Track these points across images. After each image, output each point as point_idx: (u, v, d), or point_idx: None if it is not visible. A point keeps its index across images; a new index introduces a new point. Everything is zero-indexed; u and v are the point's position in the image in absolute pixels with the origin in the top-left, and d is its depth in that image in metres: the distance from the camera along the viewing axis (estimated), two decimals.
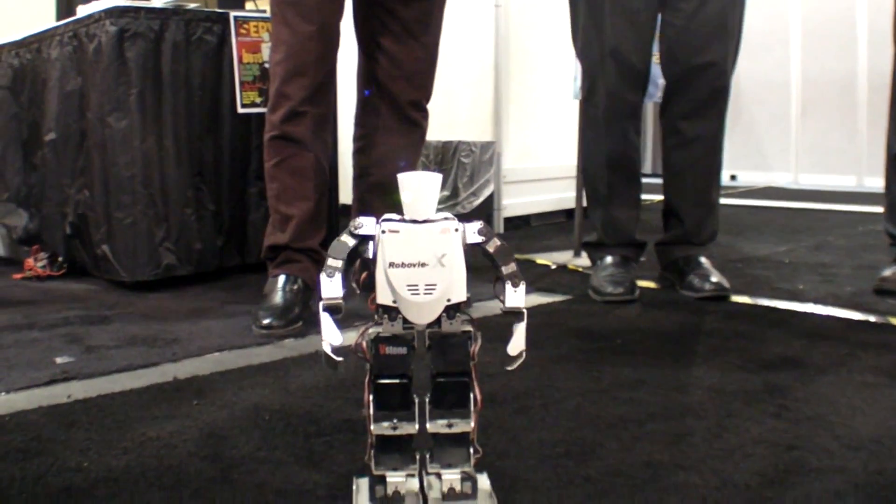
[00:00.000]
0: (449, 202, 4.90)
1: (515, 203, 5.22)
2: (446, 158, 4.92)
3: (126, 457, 1.85)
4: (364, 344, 1.57)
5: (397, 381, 1.58)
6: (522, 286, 1.58)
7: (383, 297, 1.54)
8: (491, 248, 1.57)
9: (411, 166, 3.27)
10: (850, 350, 2.58)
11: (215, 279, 3.72)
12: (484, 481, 1.66)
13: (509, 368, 1.59)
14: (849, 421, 2.02)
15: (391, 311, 1.54)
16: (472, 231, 1.55)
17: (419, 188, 1.55)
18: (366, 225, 1.56)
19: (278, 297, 2.95)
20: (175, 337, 2.81)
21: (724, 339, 2.71)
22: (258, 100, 3.63)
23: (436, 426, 1.59)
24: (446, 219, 1.54)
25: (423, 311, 1.54)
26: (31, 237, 3.98)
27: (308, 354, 2.59)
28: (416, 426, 1.59)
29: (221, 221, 3.75)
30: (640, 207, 3.52)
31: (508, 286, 1.57)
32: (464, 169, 4.88)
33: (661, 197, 3.55)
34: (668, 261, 3.47)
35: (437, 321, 1.56)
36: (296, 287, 2.98)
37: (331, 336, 1.57)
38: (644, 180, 3.55)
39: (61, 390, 2.32)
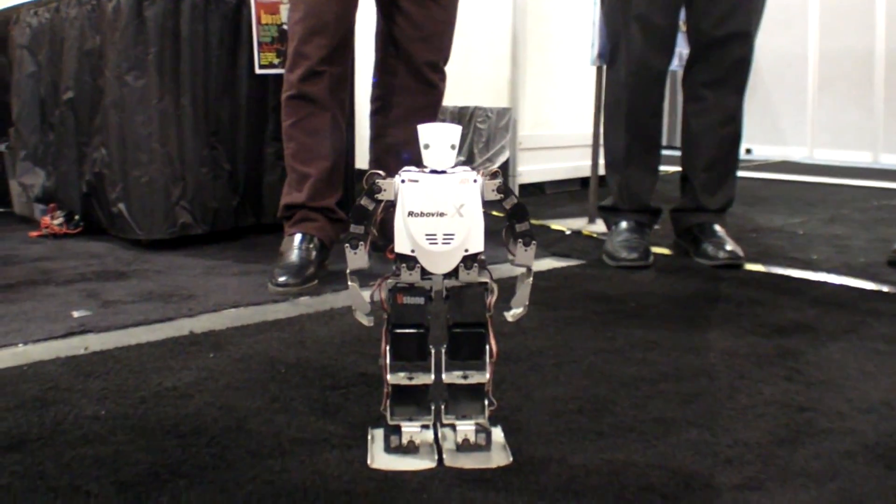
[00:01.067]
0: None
1: (531, 170, 5.22)
2: (462, 124, 4.91)
3: (143, 406, 1.87)
4: (382, 294, 1.59)
5: (414, 331, 1.59)
6: (533, 245, 1.60)
7: (402, 246, 1.57)
8: (508, 206, 1.59)
9: None
10: (862, 318, 2.59)
11: (230, 239, 3.73)
12: (498, 434, 1.68)
13: (510, 319, 1.63)
14: (860, 385, 2.03)
15: (409, 261, 1.57)
16: (491, 188, 1.58)
17: (439, 139, 1.57)
18: (386, 190, 1.58)
19: (294, 256, 2.96)
20: (191, 293, 2.83)
21: (737, 305, 2.72)
22: (276, 61, 3.64)
23: (451, 377, 1.62)
24: (465, 170, 1.56)
25: (440, 260, 1.57)
26: (47, 195, 3.99)
27: (323, 311, 2.61)
28: (432, 377, 1.61)
29: (237, 181, 3.75)
30: (658, 174, 3.52)
31: (520, 244, 1.60)
32: (480, 135, 4.89)
33: (677, 168, 3.55)
34: (683, 228, 3.47)
35: (455, 271, 1.58)
36: (311, 246, 2.99)
37: (361, 306, 1.63)
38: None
39: (78, 342, 2.34)
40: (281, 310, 2.66)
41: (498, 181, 1.59)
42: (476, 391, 1.64)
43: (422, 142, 1.58)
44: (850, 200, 5.16)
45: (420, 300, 1.60)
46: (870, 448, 1.69)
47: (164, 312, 2.61)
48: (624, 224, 3.42)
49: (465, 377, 1.62)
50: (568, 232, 3.96)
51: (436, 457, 1.61)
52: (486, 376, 1.62)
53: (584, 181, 5.21)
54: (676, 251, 3.49)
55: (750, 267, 3.24)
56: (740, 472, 1.59)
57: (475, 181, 1.57)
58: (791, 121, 7.84)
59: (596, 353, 2.22)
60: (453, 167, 1.59)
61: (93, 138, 3.67)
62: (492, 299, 1.62)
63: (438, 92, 3.23)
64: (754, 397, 1.95)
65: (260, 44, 3.61)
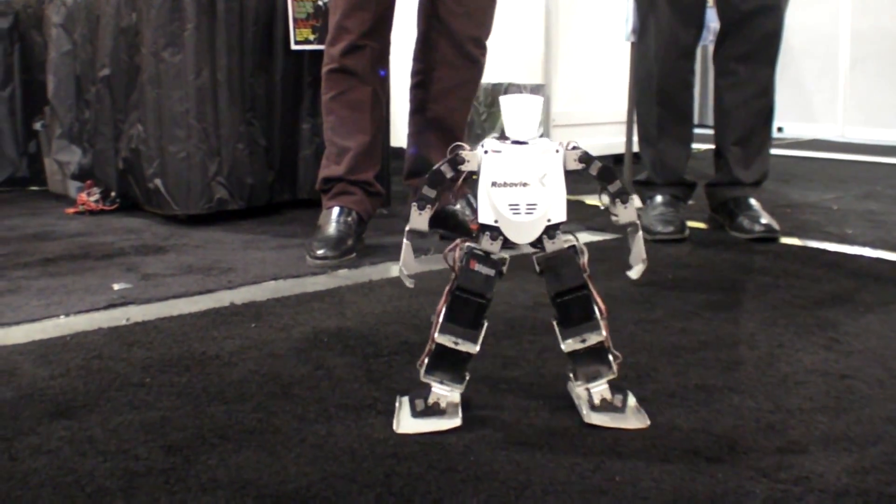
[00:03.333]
0: None
1: None
2: (496, 100, 4.91)
3: (188, 374, 1.89)
4: (456, 254, 1.61)
5: (476, 298, 1.61)
6: (632, 201, 1.64)
7: (485, 216, 1.61)
8: (594, 172, 1.62)
9: (468, 102, 3.28)
10: None
11: (266, 214, 3.75)
12: (631, 398, 1.69)
13: (634, 277, 1.66)
14: None
15: (492, 231, 1.59)
16: (573, 158, 1.61)
17: (521, 110, 1.60)
18: (469, 161, 1.61)
19: (332, 229, 2.97)
20: (230, 266, 2.85)
21: (774, 278, 2.72)
22: (311, 37, 3.65)
23: (570, 345, 1.66)
24: (546, 140, 1.60)
25: (524, 230, 1.61)
26: (84, 173, 4.01)
27: (362, 283, 2.62)
28: (477, 348, 1.63)
29: (273, 157, 3.77)
30: (691, 147, 3.52)
31: (618, 203, 1.62)
32: None
33: (711, 146, 3.55)
34: (718, 202, 3.46)
35: (539, 242, 1.60)
36: (350, 219, 3.01)
37: (408, 265, 1.65)
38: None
39: (120, 314, 2.36)
40: (320, 282, 2.68)
41: (580, 150, 1.62)
42: (597, 352, 1.66)
43: (504, 113, 1.61)
44: (883, 177, 5.14)
45: (491, 272, 1.62)
46: None
47: (203, 285, 2.63)
48: (659, 198, 3.42)
49: (583, 341, 1.65)
50: (603, 207, 3.94)
51: (460, 415, 1.63)
52: (602, 334, 1.64)
53: (618, 158, 5.20)
54: (712, 225, 3.49)
55: (785, 240, 3.24)
56: (783, 436, 1.59)
57: (557, 151, 1.60)
58: (822, 99, 7.80)
59: (636, 323, 2.23)
60: (536, 137, 1.62)
61: (129, 115, 3.69)
62: (584, 260, 1.64)
63: (479, 67, 3.23)
64: (794, 365, 1.96)
65: (296, 20, 3.62)
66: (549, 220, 1.61)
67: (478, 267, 1.61)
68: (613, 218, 1.67)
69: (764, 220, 3.28)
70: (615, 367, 1.66)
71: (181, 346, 2.06)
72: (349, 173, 3.04)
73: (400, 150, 3.43)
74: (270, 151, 3.76)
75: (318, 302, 2.43)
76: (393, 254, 3.02)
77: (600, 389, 1.66)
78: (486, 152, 1.60)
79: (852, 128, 7.56)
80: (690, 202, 3.56)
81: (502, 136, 1.62)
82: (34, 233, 3.42)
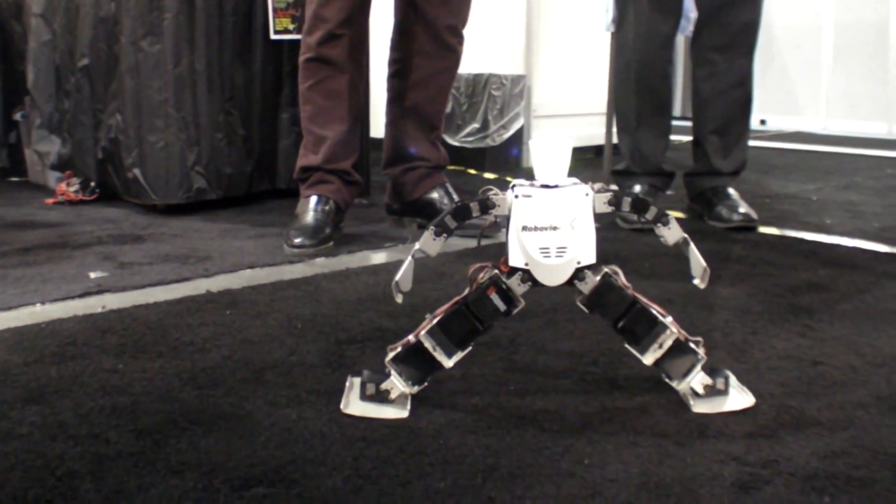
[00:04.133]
0: (478, 135, 4.91)
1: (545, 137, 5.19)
2: (477, 91, 4.92)
3: (160, 360, 1.89)
4: (480, 275, 1.64)
5: (477, 322, 1.64)
6: (673, 221, 1.66)
7: (515, 259, 1.63)
8: (627, 208, 1.65)
9: (446, 91, 3.28)
10: (876, 279, 2.60)
11: (245, 204, 3.74)
12: (732, 378, 1.71)
13: (702, 286, 1.67)
14: (873, 341, 2.04)
15: (523, 273, 1.63)
16: (603, 201, 1.65)
17: (551, 154, 1.63)
18: (500, 206, 1.64)
19: (310, 218, 2.97)
20: (207, 255, 2.84)
21: (750, 266, 2.73)
22: (291, 26, 3.64)
23: (652, 356, 1.68)
24: (576, 184, 1.63)
25: (554, 272, 1.64)
26: (63, 163, 4.00)
27: (339, 271, 2.62)
28: (450, 365, 1.65)
29: (252, 147, 3.76)
30: (670, 138, 3.52)
31: (660, 227, 1.65)
32: (494, 102, 4.88)
33: (689, 138, 3.56)
34: (697, 192, 3.47)
35: (570, 283, 1.65)
36: (327, 208, 3.01)
37: (404, 282, 1.65)
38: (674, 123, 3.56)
39: (95, 301, 2.36)
40: (297, 270, 2.68)
41: (609, 193, 1.65)
42: (678, 348, 1.67)
43: (533, 156, 1.64)
44: (864, 169, 5.16)
45: (503, 307, 1.65)
46: (883, 399, 1.71)
47: (180, 273, 2.63)
48: (637, 188, 3.42)
49: (660, 346, 1.67)
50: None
51: (409, 407, 1.64)
52: (673, 331, 1.66)
53: (599, 149, 5.20)
54: (690, 215, 3.50)
55: (763, 230, 3.25)
56: (753, 421, 1.60)
57: (587, 195, 1.63)
58: (806, 92, 7.81)
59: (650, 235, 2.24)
60: (565, 180, 1.64)
61: (108, 105, 3.68)
62: (622, 279, 1.66)
63: (457, 56, 3.23)
64: (767, 352, 1.96)
65: (275, 9, 3.61)
66: (578, 263, 1.64)
67: (494, 296, 1.63)
68: (662, 239, 1.68)
69: (742, 210, 3.29)
70: (701, 351, 1.67)
71: (155, 333, 2.06)
72: (327, 162, 3.04)
73: (379, 140, 3.43)
74: (249, 141, 3.75)
75: (294, 289, 2.43)
76: (372, 242, 3.03)
77: (699, 378, 1.67)
78: (516, 196, 1.62)
79: (835, 120, 7.58)
80: (669, 192, 3.57)
81: (531, 179, 1.64)
82: (13, 222, 3.40)
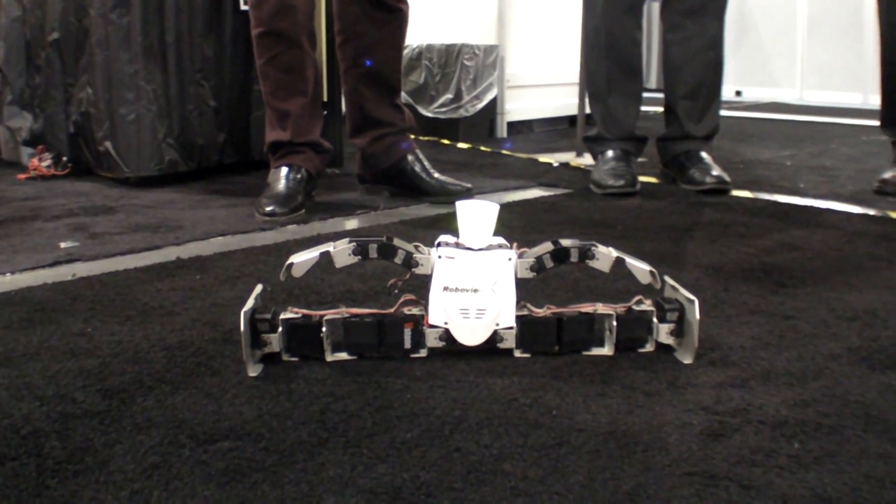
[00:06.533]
0: (452, 105, 4.90)
1: (518, 108, 5.22)
2: (449, 61, 4.90)
3: (129, 323, 1.88)
4: (405, 309, 1.68)
5: (378, 343, 1.68)
6: (597, 251, 1.75)
7: (436, 317, 1.65)
8: (551, 263, 1.71)
9: (398, 50, 3.25)
10: (849, 238, 2.60)
11: (217, 175, 3.74)
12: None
13: (657, 286, 1.74)
14: (844, 296, 2.05)
15: (443, 332, 1.66)
16: (525, 267, 1.68)
17: (476, 217, 1.66)
18: (423, 265, 1.66)
19: (281, 186, 2.97)
20: (179, 224, 2.83)
21: (723, 227, 2.73)
22: None
23: (609, 346, 1.71)
24: (500, 246, 1.65)
25: (472, 333, 1.65)
26: (35, 138, 3.97)
27: (310, 238, 2.61)
28: (327, 360, 1.67)
29: (223, 118, 3.75)
30: (641, 102, 3.52)
31: (590, 262, 1.75)
32: (467, 72, 4.87)
33: (661, 109, 3.56)
34: (670, 156, 3.47)
35: (489, 342, 1.67)
36: (299, 176, 3.00)
37: (298, 270, 1.72)
38: (646, 94, 3.56)
39: (65, 270, 2.34)
40: (268, 237, 2.67)
41: (532, 260, 1.67)
42: (626, 321, 1.71)
43: (459, 218, 1.65)
44: (839, 136, 5.17)
45: (408, 345, 1.67)
46: (853, 351, 1.71)
47: (151, 241, 2.61)
48: (610, 153, 3.42)
49: (610, 332, 1.71)
50: (556, 164, 3.96)
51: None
52: (609, 312, 1.71)
53: (572, 119, 5.21)
54: (664, 180, 3.50)
55: (737, 193, 3.25)
56: (724, 372, 1.60)
57: (510, 259, 1.65)
58: (781, 62, 7.83)
59: (581, 269, 2.22)
60: (490, 243, 1.66)
61: (79, 78, 3.65)
62: (544, 309, 1.70)
63: (403, 14, 3.21)
64: (739, 308, 1.96)
65: None
66: (497, 325, 1.65)
67: (406, 332, 1.66)
68: (598, 270, 1.75)
69: (715, 172, 3.29)
70: (647, 303, 1.73)
71: (125, 298, 2.05)
72: (296, 136, 3.03)
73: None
74: (220, 112, 3.73)
75: (265, 255, 2.42)
76: (343, 210, 3.02)
77: (662, 330, 1.70)
78: (439, 257, 1.63)
79: (811, 91, 7.60)
80: (642, 158, 3.57)
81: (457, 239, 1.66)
82: None
